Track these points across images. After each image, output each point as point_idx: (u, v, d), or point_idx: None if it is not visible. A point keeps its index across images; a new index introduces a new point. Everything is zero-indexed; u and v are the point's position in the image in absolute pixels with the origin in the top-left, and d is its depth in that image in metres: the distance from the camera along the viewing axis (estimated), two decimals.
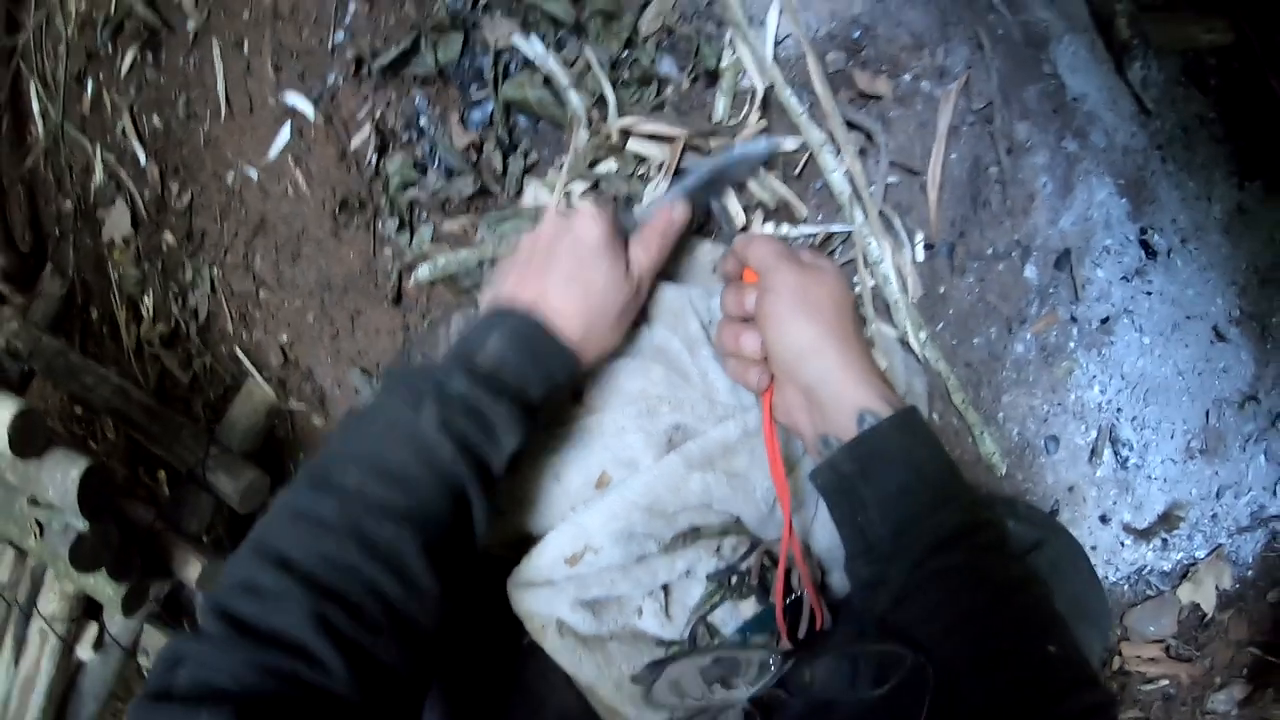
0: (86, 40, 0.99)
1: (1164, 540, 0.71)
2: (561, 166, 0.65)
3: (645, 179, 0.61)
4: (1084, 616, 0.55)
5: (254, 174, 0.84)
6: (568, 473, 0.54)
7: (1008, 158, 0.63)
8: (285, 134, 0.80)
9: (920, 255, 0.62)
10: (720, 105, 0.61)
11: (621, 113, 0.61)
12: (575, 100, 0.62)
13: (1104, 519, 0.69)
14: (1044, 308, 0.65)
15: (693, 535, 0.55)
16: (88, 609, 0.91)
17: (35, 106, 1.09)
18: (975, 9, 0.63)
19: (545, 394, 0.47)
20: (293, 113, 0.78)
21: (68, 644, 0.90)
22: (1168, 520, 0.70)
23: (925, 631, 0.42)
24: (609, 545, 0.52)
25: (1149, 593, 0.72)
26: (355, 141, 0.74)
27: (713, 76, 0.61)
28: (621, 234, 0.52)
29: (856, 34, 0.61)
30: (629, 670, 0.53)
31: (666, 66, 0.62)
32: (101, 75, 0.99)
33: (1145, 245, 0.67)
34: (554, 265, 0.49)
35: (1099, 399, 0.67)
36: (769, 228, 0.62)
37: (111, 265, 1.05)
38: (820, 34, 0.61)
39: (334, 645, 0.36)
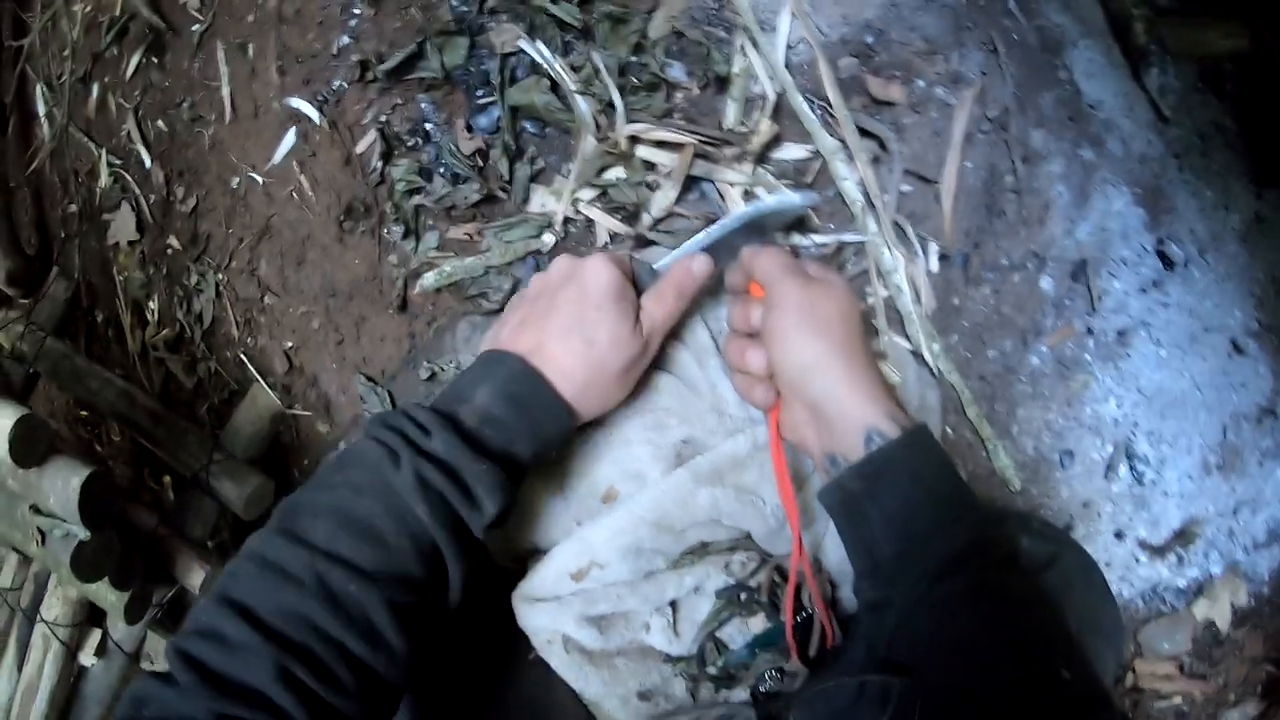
0: (91, 43, 0.99)
1: (1179, 557, 0.69)
2: (569, 173, 0.64)
3: (654, 187, 0.60)
4: (1098, 633, 0.54)
5: (259, 179, 0.83)
6: (574, 486, 0.54)
7: (1023, 166, 0.62)
8: (290, 138, 0.79)
9: (934, 266, 0.61)
10: (731, 112, 0.60)
11: (630, 119, 0.60)
12: (583, 106, 0.61)
13: (1119, 535, 0.68)
14: (1060, 320, 0.64)
15: (701, 551, 0.54)
16: (91, 615, 0.91)
17: (41, 109, 1.09)
18: (990, 13, 0.62)
19: (535, 451, 0.45)
20: (297, 117, 0.78)
21: (71, 650, 0.89)
22: (1183, 536, 0.68)
23: (933, 653, 0.41)
24: (616, 561, 0.51)
25: (1163, 609, 0.71)
26: (360, 146, 0.73)
27: (723, 82, 0.60)
28: (635, 286, 0.49)
29: (869, 39, 0.60)
30: (636, 687, 0.52)
31: (676, 72, 0.61)
32: (107, 78, 0.99)
33: (1162, 256, 0.66)
34: (556, 313, 0.46)
35: (1115, 413, 0.66)
36: (778, 238, 0.61)
37: (117, 269, 1.04)
38: (832, 39, 0.60)
39: (297, 699, 0.35)
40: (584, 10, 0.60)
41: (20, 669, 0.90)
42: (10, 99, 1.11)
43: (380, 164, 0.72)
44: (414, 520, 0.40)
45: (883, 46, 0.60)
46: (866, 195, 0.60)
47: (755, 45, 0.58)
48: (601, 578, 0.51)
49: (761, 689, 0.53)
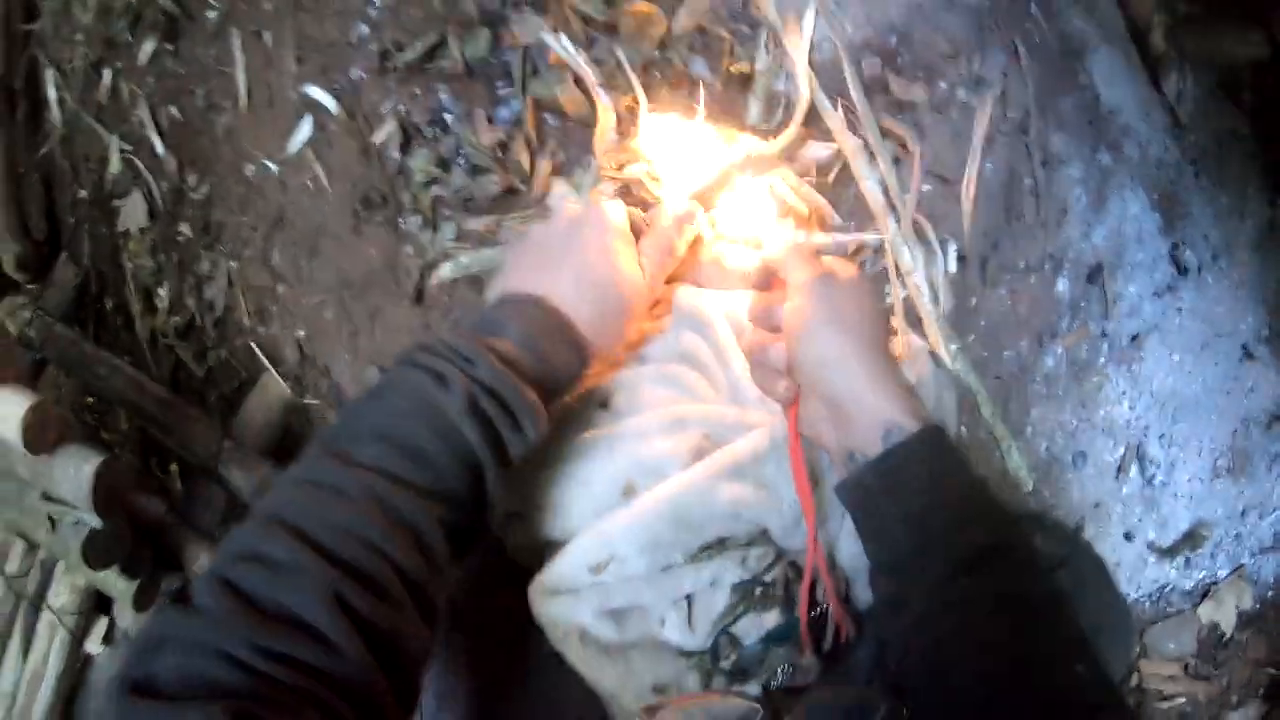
0: (105, 28, 0.99)
1: (1187, 559, 0.70)
2: (589, 166, 0.64)
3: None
4: (1106, 633, 0.55)
5: (274, 167, 0.83)
6: (594, 479, 0.54)
7: (1042, 169, 0.63)
8: (306, 127, 0.79)
9: (953, 266, 0.62)
10: (754, 108, 0.60)
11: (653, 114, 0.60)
12: (605, 100, 0.61)
13: (1128, 536, 0.69)
14: (1075, 322, 0.65)
15: (719, 546, 0.54)
16: (98, 603, 0.91)
17: (51, 94, 1.08)
18: (1012, 17, 0.62)
19: (559, 388, 0.47)
20: (314, 106, 0.77)
21: (77, 638, 0.89)
22: (1192, 539, 0.69)
23: (950, 652, 0.41)
24: (634, 555, 0.51)
25: (1170, 611, 0.72)
26: (378, 137, 0.73)
27: (746, 79, 0.60)
28: (637, 232, 0.52)
29: (893, 40, 0.60)
30: (650, 681, 0.53)
31: (699, 68, 0.61)
32: (120, 64, 0.98)
33: (1176, 261, 0.67)
34: (568, 258, 0.48)
35: (1127, 415, 0.67)
36: (800, 235, 0.61)
37: (126, 256, 1.04)
38: (856, 39, 0.60)
39: (350, 627, 0.33)
40: (608, 4, 0.60)
41: (26, 657, 0.90)
42: (20, 83, 1.10)
43: (398, 154, 0.72)
44: (461, 441, 0.41)
45: (906, 47, 0.60)
46: (887, 195, 0.60)
47: (779, 44, 0.59)
48: (620, 571, 0.52)
49: (774, 684, 0.54)
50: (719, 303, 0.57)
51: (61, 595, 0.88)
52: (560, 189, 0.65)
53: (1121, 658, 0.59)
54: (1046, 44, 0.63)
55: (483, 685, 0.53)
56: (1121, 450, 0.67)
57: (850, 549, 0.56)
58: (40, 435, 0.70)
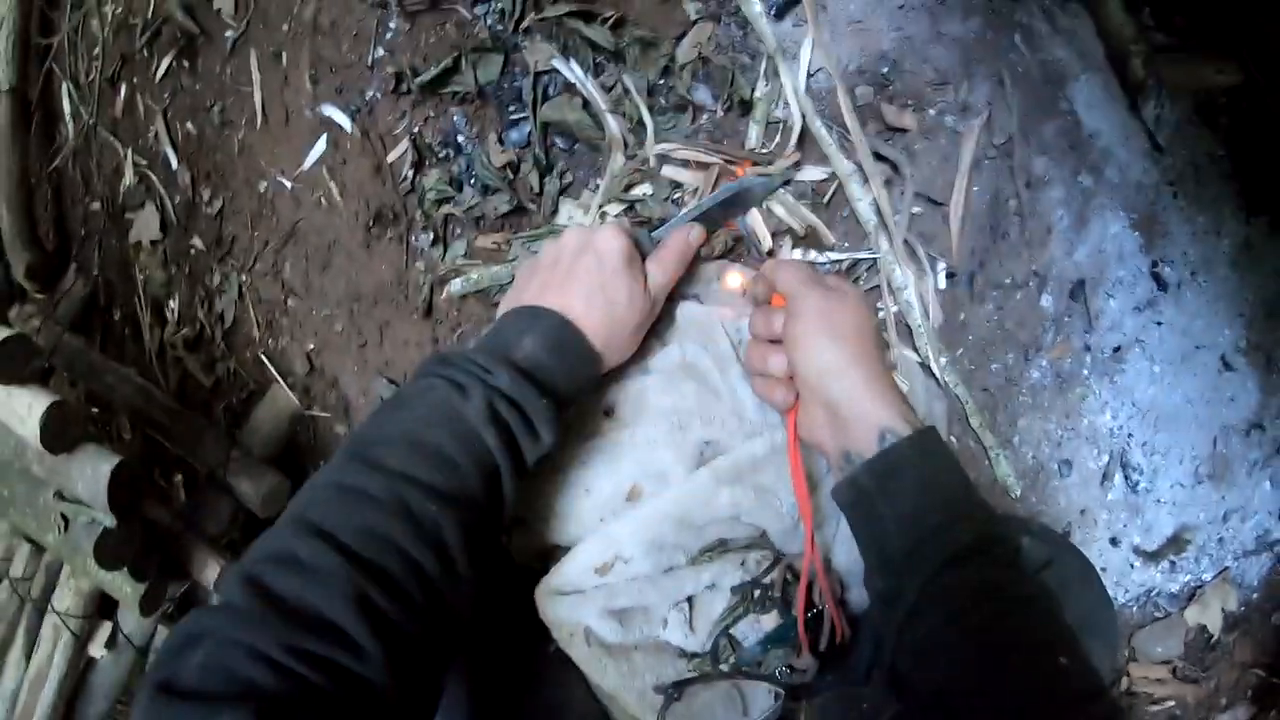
0: (122, 44, 1.01)
1: (1172, 563, 0.72)
2: (596, 188, 0.66)
3: (679, 203, 0.63)
4: (1094, 634, 0.56)
5: (287, 183, 0.85)
6: (599, 485, 0.56)
7: (1026, 191, 0.66)
8: (321, 145, 0.81)
9: (942, 283, 0.65)
10: (753, 133, 0.63)
11: (658, 138, 0.63)
12: (613, 124, 0.64)
13: (1114, 541, 0.71)
14: (1059, 336, 0.68)
15: (719, 548, 0.56)
16: (101, 607, 0.92)
17: (66, 107, 1.11)
18: (998, 47, 0.66)
19: (572, 396, 0.50)
20: (329, 124, 0.80)
21: (81, 641, 0.90)
22: (1176, 543, 0.71)
23: (939, 642, 0.43)
24: (639, 555, 0.53)
25: (1157, 614, 0.74)
26: (391, 155, 0.76)
27: (746, 106, 0.63)
28: (640, 253, 0.54)
29: (885, 69, 0.64)
30: (652, 681, 0.54)
31: (702, 95, 0.64)
32: (136, 79, 1.01)
33: (1156, 277, 0.70)
34: (577, 277, 0.51)
35: (1111, 425, 0.69)
36: (797, 253, 0.64)
37: (137, 267, 1.06)
38: (850, 68, 0.63)
39: (372, 629, 0.34)
40: (616, 33, 0.63)
41: (29, 659, 0.90)
42: (36, 95, 1.13)
43: (411, 173, 0.74)
44: (481, 447, 0.43)
45: (897, 77, 0.64)
46: (879, 215, 0.63)
47: (778, 72, 0.62)
48: (624, 571, 0.53)
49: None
50: (720, 317, 0.59)
51: (66, 599, 0.89)
52: (569, 211, 0.68)
53: (1109, 660, 0.60)
54: (1030, 73, 0.66)
55: (484, 688, 0.54)
56: (1106, 458, 0.70)
57: (846, 552, 0.58)
58: (60, 434, 0.71)
